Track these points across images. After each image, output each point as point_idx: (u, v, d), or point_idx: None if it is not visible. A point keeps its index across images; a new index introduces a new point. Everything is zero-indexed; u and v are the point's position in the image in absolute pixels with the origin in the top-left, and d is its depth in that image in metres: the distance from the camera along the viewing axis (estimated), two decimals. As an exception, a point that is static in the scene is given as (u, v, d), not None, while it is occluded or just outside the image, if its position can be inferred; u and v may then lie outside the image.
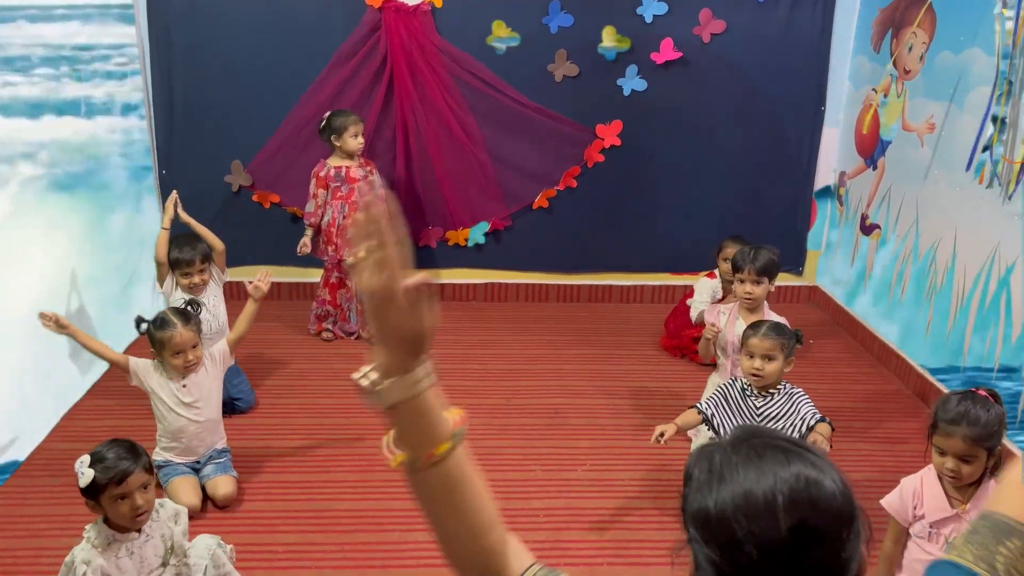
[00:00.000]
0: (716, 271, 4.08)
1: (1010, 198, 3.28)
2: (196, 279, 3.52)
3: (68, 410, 3.59)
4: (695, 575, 0.95)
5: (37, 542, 2.76)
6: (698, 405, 2.86)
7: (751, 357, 2.78)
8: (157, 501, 2.31)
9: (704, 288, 4.09)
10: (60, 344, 3.35)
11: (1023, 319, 3.19)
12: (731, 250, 3.72)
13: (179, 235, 3.63)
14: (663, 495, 3.10)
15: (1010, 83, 3.27)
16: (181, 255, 3.51)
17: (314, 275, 4.66)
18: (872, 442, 3.50)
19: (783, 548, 0.88)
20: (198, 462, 3.07)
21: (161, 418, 3.02)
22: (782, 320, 3.04)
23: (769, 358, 2.74)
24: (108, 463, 2.16)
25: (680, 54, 4.61)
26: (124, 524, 2.22)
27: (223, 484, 3.01)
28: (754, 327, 2.83)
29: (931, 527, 2.22)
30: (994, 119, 3.38)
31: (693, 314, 3.96)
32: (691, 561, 0.96)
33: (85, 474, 2.15)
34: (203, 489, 3.02)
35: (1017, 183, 3.23)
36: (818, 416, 2.69)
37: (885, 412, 3.78)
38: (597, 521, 2.97)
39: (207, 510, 3.00)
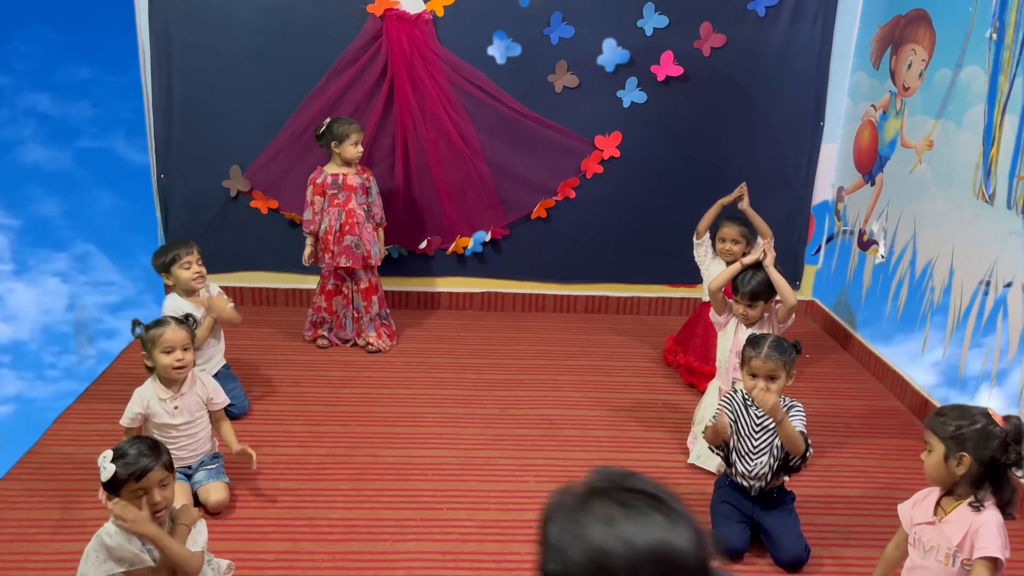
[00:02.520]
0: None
1: (1021, 214, 3.28)
2: (196, 269, 3.51)
3: (59, 414, 3.57)
4: None
5: (27, 546, 2.74)
6: (711, 419, 2.91)
7: (754, 378, 2.75)
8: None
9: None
10: (52, 347, 3.33)
11: (1020, 337, 3.19)
12: (726, 230, 3.91)
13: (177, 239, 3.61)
14: (657, 508, 3.08)
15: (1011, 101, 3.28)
16: (179, 249, 3.52)
17: (310, 282, 4.65)
18: (867, 458, 3.49)
19: None
20: (189, 467, 3.05)
21: (149, 433, 2.99)
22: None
23: (772, 378, 2.74)
24: (129, 459, 2.19)
25: (680, 68, 4.63)
26: None
27: (215, 490, 2.98)
28: (754, 345, 2.80)
29: (915, 532, 2.28)
30: (993, 137, 3.38)
31: (706, 280, 3.99)
32: None
33: (107, 469, 2.18)
34: (195, 495, 3.00)
35: (1019, 200, 3.24)
36: (800, 429, 2.72)
37: (880, 428, 3.77)
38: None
39: (198, 516, 2.97)
